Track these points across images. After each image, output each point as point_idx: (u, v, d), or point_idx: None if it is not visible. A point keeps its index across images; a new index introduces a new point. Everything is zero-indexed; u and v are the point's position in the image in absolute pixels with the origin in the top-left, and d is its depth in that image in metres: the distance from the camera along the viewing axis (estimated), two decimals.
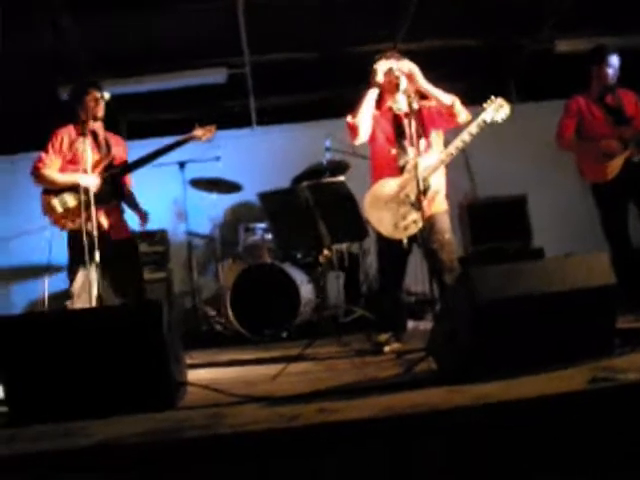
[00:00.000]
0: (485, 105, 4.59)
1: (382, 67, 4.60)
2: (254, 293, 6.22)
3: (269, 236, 6.60)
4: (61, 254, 4.98)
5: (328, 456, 2.59)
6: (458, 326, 3.33)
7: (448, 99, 4.55)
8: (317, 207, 3.93)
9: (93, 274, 4.51)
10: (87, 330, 3.27)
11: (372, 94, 4.64)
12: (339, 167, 6.72)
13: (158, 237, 7.05)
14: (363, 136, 4.62)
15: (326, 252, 5.07)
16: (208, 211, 6.96)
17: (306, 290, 6.33)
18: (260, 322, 6.18)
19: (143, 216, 5.24)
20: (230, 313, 6.18)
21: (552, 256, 3.73)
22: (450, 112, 4.55)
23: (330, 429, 2.65)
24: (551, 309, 3.28)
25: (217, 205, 6.96)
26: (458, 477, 2.61)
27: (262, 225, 6.72)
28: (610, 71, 5.39)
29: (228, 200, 7.24)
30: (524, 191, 6.74)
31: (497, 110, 4.55)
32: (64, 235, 4.92)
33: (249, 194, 6.98)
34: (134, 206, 5.25)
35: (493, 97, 4.62)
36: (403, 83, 4.51)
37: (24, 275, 7.37)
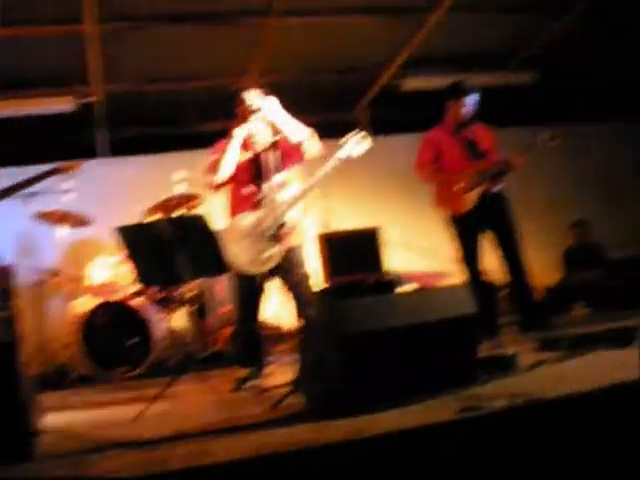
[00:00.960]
0: (344, 139, 4.61)
1: (248, 96, 4.54)
2: (106, 331, 6.01)
3: (122, 271, 6.39)
4: None
5: None
6: (324, 359, 3.31)
7: (297, 136, 4.50)
8: (177, 241, 3.83)
9: None
10: None
11: (239, 137, 4.54)
12: (193, 200, 6.60)
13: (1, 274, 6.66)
14: (222, 178, 4.56)
15: (187, 286, 4.97)
16: (57, 245, 6.66)
17: (160, 327, 6.16)
18: (112, 361, 5.95)
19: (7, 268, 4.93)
20: (81, 352, 5.92)
21: (414, 289, 3.77)
22: (297, 150, 4.54)
23: (202, 473, 2.56)
24: (415, 340, 3.33)
25: (66, 239, 6.64)
26: None
27: (115, 259, 6.49)
28: (466, 107, 5.56)
29: (78, 234, 6.95)
30: (380, 223, 6.86)
31: (357, 144, 4.58)
32: None
33: (101, 227, 6.74)
34: None
35: (355, 131, 4.65)
36: (259, 115, 4.47)
37: None
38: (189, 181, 6.69)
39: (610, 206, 8.33)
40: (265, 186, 4.48)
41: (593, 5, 6.66)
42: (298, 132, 4.53)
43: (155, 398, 4.03)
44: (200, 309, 6.72)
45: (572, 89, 7.75)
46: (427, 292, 3.56)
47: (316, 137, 4.59)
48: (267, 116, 4.46)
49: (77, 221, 6.58)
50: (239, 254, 4.35)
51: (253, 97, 4.53)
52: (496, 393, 3.17)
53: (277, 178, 4.31)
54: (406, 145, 6.44)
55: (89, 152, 6.05)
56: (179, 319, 6.59)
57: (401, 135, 7.12)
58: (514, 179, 5.64)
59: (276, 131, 4.47)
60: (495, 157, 5.62)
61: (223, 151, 4.56)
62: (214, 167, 4.57)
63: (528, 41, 7.24)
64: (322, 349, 3.32)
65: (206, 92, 7.20)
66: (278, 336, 6.25)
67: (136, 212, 6.88)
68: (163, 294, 6.47)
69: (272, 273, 4.49)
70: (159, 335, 6.05)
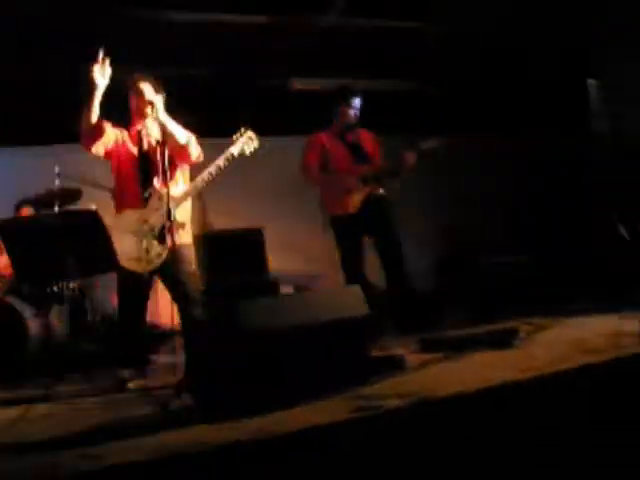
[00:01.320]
0: (234, 137, 4.60)
1: (145, 89, 4.40)
2: None
3: None
4: None
5: None
6: (216, 359, 3.28)
7: (183, 138, 4.40)
8: (65, 237, 3.67)
9: None
10: None
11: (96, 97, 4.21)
12: (71, 195, 6.37)
13: None
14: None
15: (73, 285, 4.77)
16: None
17: (33, 324, 5.90)
18: None
19: None
20: None
21: (310, 290, 3.81)
22: (184, 151, 4.43)
23: (101, 476, 2.48)
24: (308, 340, 3.37)
25: None
26: None
27: None
28: (352, 111, 5.66)
29: None
30: (261, 224, 6.85)
31: (246, 143, 4.57)
32: None
33: None
34: None
35: (242, 130, 4.65)
36: (155, 110, 4.35)
37: None
38: (63, 175, 6.48)
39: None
40: (154, 183, 4.38)
41: None
42: (183, 134, 4.42)
43: (37, 399, 3.89)
44: (77, 307, 6.51)
45: (452, 99, 7.96)
46: (321, 293, 3.61)
47: (196, 141, 4.50)
48: (159, 113, 4.35)
49: None
50: (124, 252, 4.21)
51: (149, 90, 4.42)
52: (388, 393, 3.24)
53: (165, 175, 4.20)
54: (291, 147, 6.46)
55: None
56: (55, 317, 6.36)
57: (287, 137, 7.11)
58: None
59: (163, 130, 4.35)
60: (379, 161, 5.73)
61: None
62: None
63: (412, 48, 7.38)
64: (214, 349, 3.29)
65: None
66: (158, 336, 6.13)
67: (5, 206, 6.62)
68: (39, 291, 6.23)
69: (158, 271, 4.37)
70: (33, 334, 5.79)
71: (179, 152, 4.41)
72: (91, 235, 3.71)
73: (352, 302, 3.57)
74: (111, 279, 6.60)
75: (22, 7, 6.00)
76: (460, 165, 8.24)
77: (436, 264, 8.01)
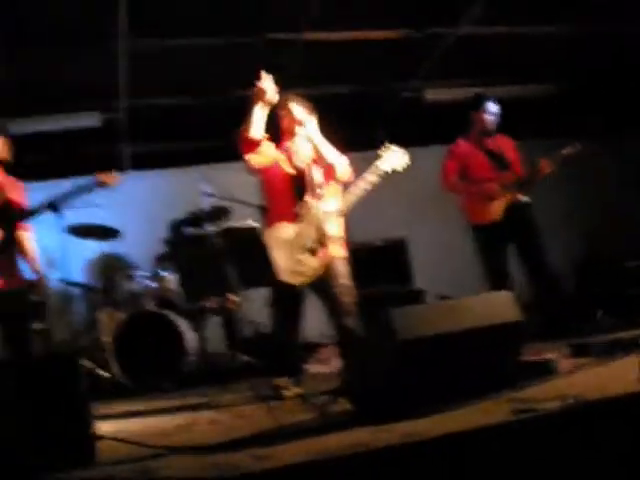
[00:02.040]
0: (381, 152, 4.68)
1: (295, 108, 4.63)
2: (137, 342, 6.04)
3: (152, 284, 6.46)
4: None
5: None
6: (377, 366, 3.39)
7: (335, 160, 4.57)
8: (228, 253, 3.90)
9: None
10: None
11: (259, 110, 4.46)
12: (220, 213, 6.68)
13: (36, 287, 6.74)
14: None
15: (233, 298, 5.01)
16: (87, 259, 6.73)
17: (190, 338, 6.22)
18: (144, 372, 6.00)
19: (42, 282, 5.05)
20: (112, 363, 5.98)
21: (463, 296, 3.85)
22: (333, 172, 4.60)
23: (274, 475, 2.63)
24: (464, 346, 3.41)
25: (94, 252, 6.69)
26: None
27: (144, 273, 6.57)
28: (489, 117, 5.69)
29: (107, 247, 7.00)
30: (404, 234, 6.96)
31: (396, 158, 4.66)
32: None
33: (129, 240, 6.83)
34: (32, 263, 5.02)
35: (388, 144, 4.72)
36: (304, 129, 4.55)
37: None
38: (214, 195, 6.79)
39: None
40: (307, 199, 4.55)
41: None
42: (335, 157, 4.59)
43: (202, 407, 4.12)
44: (228, 320, 6.79)
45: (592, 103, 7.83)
46: (472, 299, 3.63)
47: (347, 163, 4.66)
48: (310, 133, 4.53)
49: (105, 233, 6.66)
50: (280, 265, 4.40)
51: (299, 110, 4.62)
52: (542, 396, 3.25)
53: (319, 190, 4.36)
54: (429, 157, 6.52)
55: (115, 166, 6.10)
56: (208, 330, 6.67)
57: (424, 147, 7.20)
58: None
59: (315, 147, 4.53)
60: (520, 168, 5.72)
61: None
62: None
63: (548, 54, 7.30)
64: (375, 355, 3.40)
65: (225, 104, 7.30)
66: (309, 346, 6.31)
67: (162, 225, 7.00)
68: (193, 305, 6.55)
69: (313, 283, 4.54)
70: (190, 346, 6.10)
71: (329, 171, 4.58)
72: (253, 250, 3.90)
73: (504, 307, 3.60)
74: (261, 292, 6.92)
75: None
76: (601, 170, 8.09)
77: (580, 269, 7.87)
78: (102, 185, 5.00)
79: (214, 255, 3.91)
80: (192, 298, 6.12)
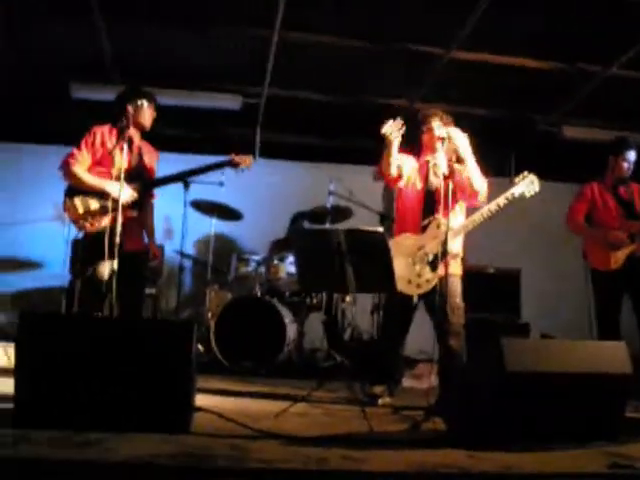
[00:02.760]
0: (516, 179, 4.71)
1: (435, 125, 4.71)
2: (240, 324, 6.17)
3: (262, 269, 6.59)
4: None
5: None
6: (479, 392, 3.37)
7: (479, 182, 4.61)
8: (349, 253, 3.94)
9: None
10: (115, 339, 3.23)
11: (393, 145, 4.57)
12: (343, 213, 6.77)
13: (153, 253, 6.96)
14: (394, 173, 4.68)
15: (348, 298, 5.07)
16: (204, 235, 6.91)
17: (291, 329, 6.31)
18: (241, 354, 6.12)
19: (156, 251, 5.24)
20: (213, 340, 6.12)
21: (576, 339, 3.79)
22: (473, 193, 4.63)
23: (362, 477, 2.66)
24: (568, 389, 3.35)
25: (214, 230, 6.85)
26: None
27: (256, 257, 6.70)
28: (626, 164, 5.56)
29: (225, 227, 7.18)
30: (519, 265, 6.88)
31: (528, 186, 4.66)
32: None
33: (246, 224, 6.98)
34: (150, 230, 5.20)
35: (525, 173, 4.74)
36: (442, 145, 4.58)
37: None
38: (338, 194, 6.87)
39: None
40: (437, 214, 4.57)
41: None
42: (478, 178, 4.62)
43: (301, 399, 4.18)
44: (330, 319, 6.86)
45: None
46: (588, 344, 3.58)
47: (486, 186, 4.67)
48: (457, 147, 4.55)
49: (229, 214, 6.81)
50: (398, 273, 4.41)
51: (439, 126, 4.67)
52: None
53: (447, 207, 4.37)
54: (557, 193, 6.45)
55: (246, 151, 6.26)
56: (308, 325, 6.76)
57: (552, 183, 7.13)
58: None
59: (451, 165, 4.54)
60: None
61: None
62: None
63: None
64: (480, 381, 3.38)
65: (363, 108, 7.37)
66: (406, 360, 6.30)
67: (282, 215, 7.13)
68: (299, 298, 6.65)
69: (426, 296, 4.56)
70: (290, 337, 6.19)
71: (467, 191, 4.62)
72: (376, 256, 3.93)
73: (616, 358, 3.52)
74: (367, 299, 6.96)
75: None
76: None
77: None
78: (236, 166, 5.11)
79: (336, 252, 3.93)
80: (306, 289, 6.23)
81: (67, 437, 2.91)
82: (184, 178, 5.24)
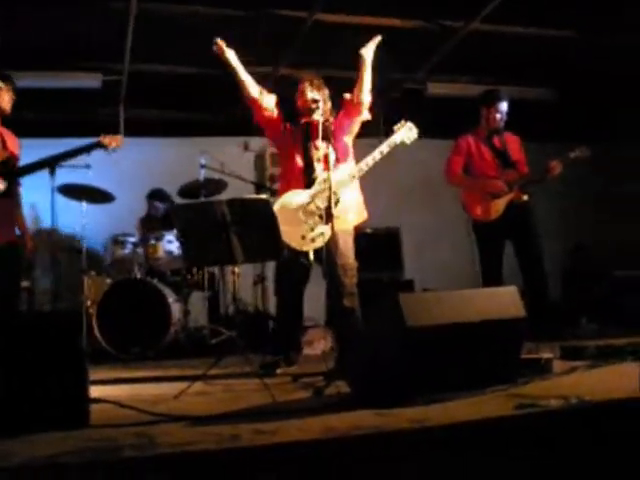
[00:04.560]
0: (395, 127, 4.78)
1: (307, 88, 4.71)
2: (122, 309, 6.00)
3: (140, 250, 6.39)
4: None
5: (274, 477, 2.53)
6: (380, 351, 3.35)
7: (367, 94, 4.73)
8: (233, 224, 3.83)
9: None
10: None
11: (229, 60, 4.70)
12: (217, 186, 6.64)
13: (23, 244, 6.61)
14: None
15: (236, 269, 4.97)
16: (75, 220, 6.61)
17: (175, 308, 6.17)
18: (127, 339, 5.94)
19: (31, 242, 4.98)
20: (96, 328, 5.90)
21: (469, 288, 3.84)
22: (358, 104, 4.72)
23: (277, 450, 2.59)
24: (468, 338, 3.38)
25: (85, 215, 6.57)
26: None
27: (132, 239, 6.49)
28: (499, 115, 5.68)
29: (96, 210, 6.89)
30: (397, 223, 6.95)
31: (407, 132, 4.72)
32: None
33: (118, 205, 6.73)
34: (21, 221, 4.93)
35: (403, 121, 4.82)
36: (318, 110, 4.52)
37: None
38: (210, 167, 6.74)
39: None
40: (317, 165, 4.57)
41: None
42: (369, 90, 4.75)
43: (198, 378, 4.07)
44: (214, 295, 6.76)
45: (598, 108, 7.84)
46: (481, 292, 3.63)
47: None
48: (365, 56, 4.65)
49: (99, 197, 6.55)
50: (289, 230, 4.37)
51: (310, 89, 4.70)
52: (542, 394, 3.23)
53: (330, 158, 4.35)
54: (426, 149, 6.54)
55: (111, 130, 6.01)
56: (193, 303, 6.63)
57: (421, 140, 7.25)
58: None
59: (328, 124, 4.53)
60: (525, 168, 5.73)
61: None
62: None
63: (553, 57, 7.28)
64: (381, 340, 3.37)
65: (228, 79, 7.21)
66: None
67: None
68: (180, 277, 6.51)
69: (318, 257, 4.50)
70: (176, 316, 6.05)
71: (355, 105, 4.73)
72: (261, 223, 3.84)
73: (509, 303, 3.58)
74: (248, 270, 6.89)
75: None
76: (604, 174, 8.12)
77: (568, 276, 7.90)
78: (106, 147, 4.92)
79: (221, 224, 3.82)
80: (193, 265, 6.08)
81: None
82: (53, 164, 4.99)
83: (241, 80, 4.72)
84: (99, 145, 4.94)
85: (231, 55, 4.65)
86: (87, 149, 4.92)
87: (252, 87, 4.73)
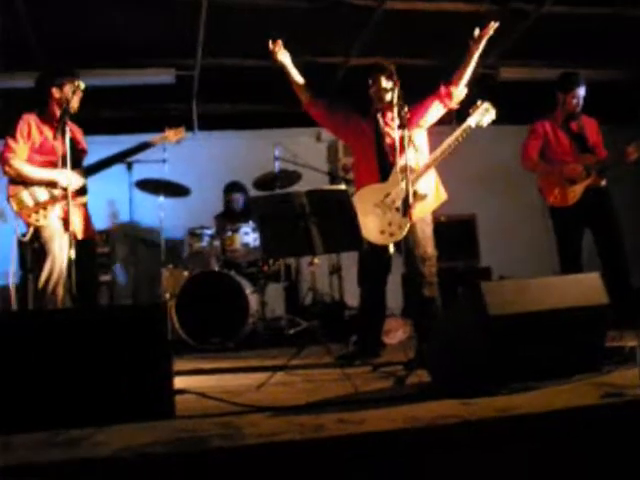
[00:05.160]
0: (470, 110, 4.66)
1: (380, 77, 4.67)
2: (201, 300, 6.08)
3: (216, 243, 6.47)
4: None
5: (360, 467, 2.54)
6: (463, 340, 3.34)
7: (462, 87, 4.67)
8: (313, 214, 3.86)
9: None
10: (83, 331, 3.09)
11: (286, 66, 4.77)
12: (292, 177, 6.68)
13: (104, 238, 6.78)
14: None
15: (316, 260, 4.97)
16: (152, 214, 6.73)
17: (253, 299, 6.23)
18: (206, 331, 6.03)
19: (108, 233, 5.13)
20: (175, 320, 6.00)
21: (552, 275, 3.80)
22: (448, 93, 4.67)
23: (363, 440, 2.59)
24: (550, 326, 3.33)
25: (162, 208, 6.67)
26: None
27: (209, 231, 6.58)
28: (575, 100, 5.56)
29: (173, 204, 7.00)
30: (473, 211, 6.89)
31: (483, 114, 4.60)
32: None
33: (194, 199, 6.83)
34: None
35: (479, 102, 4.69)
36: (388, 97, 4.50)
37: None
38: (284, 159, 6.78)
39: None
40: (395, 160, 4.51)
41: None
42: (465, 82, 4.68)
43: (280, 368, 4.11)
44: (291, 285, 6.80)
45: None
46: (563, 279, 3.57)
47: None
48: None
49: (176, 190, 6.66)
50: (368, 225, 4.39)
51: (384, 78, 4.67)
52: (630, 382, 3.17)
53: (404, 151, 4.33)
54: (501, 136, 6.45)
55: (186, 125, 6.11)
56: (269, 294, 6.69)
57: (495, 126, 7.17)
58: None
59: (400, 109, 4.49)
60: (603, 152, 5.60)
61: None
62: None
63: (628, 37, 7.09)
64: (462, 329, 3.35)
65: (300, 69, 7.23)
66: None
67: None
68: (256, 268, 6.57)
69: (397, 247, 4.50)
70: (254, 308, 6.12)
71: (444, 95, 4.69)
72: (341, 214, 3.85)
73: (592, 290, 3.51)
74: (324, 260, 6.91)
75: None
76: None
77: None
78: (169, 140, 5.04)
79: (300, 215, 3.85)
80: (272, 257, 6.14)
81: (50, 438, 2.77)
82: (121, 159, 5.11)
83: (293, 81, 4.83)
84: (164, 139, 5.06)
85: (285, 58, 4.71)
86: (151, 144, 5.05)
87: (302, 93, 4.85)
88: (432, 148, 4.70)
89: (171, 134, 5.12)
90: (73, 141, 4.69)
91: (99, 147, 5.20)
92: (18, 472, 2.43)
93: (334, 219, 3.86)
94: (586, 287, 3.53)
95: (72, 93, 4.62)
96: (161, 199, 6.59)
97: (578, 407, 2.84)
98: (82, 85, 4.58)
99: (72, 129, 4.83)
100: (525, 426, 2.71)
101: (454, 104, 4.69)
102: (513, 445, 2.65)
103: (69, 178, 4.31)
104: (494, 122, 4.72)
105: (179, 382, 3.80)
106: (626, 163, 5.44)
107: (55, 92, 4.68)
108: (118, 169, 6.21)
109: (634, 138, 5.46)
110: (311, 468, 2.53)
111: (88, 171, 4.82)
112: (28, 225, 4.57)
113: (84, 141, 5.02)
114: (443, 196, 4.74)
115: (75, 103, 4.72)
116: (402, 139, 4.17)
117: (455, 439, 2.64)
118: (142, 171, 6.47)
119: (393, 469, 2.54)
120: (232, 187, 7.20)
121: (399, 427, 2.66)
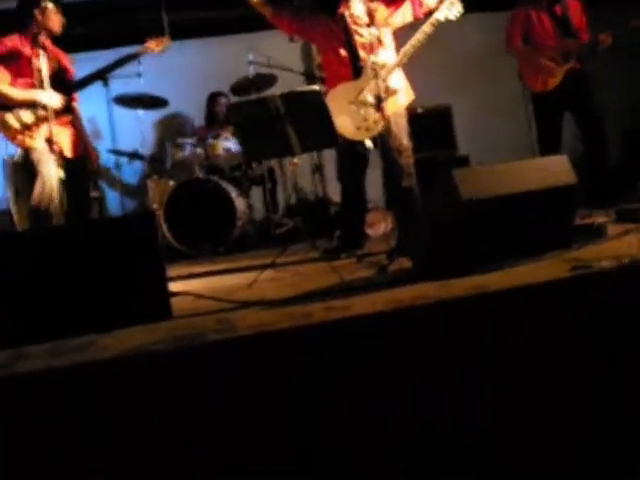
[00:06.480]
0: (437, 4, 4.64)
1: None
2: (188, 208, 6.22)
3: (199, 150, 6.57)
4: None
5: (349, 350, 2.72)
6: (441, 226, 3.50)
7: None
8: (288, 116, 3.97)
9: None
10: (79, 245, 3.24)
11: None
12: (267, 80, 6.72)
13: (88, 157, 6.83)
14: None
15: (295, 160, 5.12)
16: (132, 128, 6.79)
17: (240, 203, 6.37)
18: (196, 237, 6.19)
19: (94, 153, 5.17)
20: (165, 229, 6.15)
21: (519, 160, 3.92)
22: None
23: (352, 323, 2.78)
24: (523, 207, 3.49)
25: (142, 122, 6.73)
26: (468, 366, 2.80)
27: (190, 140, 6.67)
28: None
29: (152, 116, 7.06)
30: (448, 101, 6.96)
31: (449, 8, 4.61)
32: None
33: (173, 109, 6.89)
34: (83, 133, 5.12)
35: None
36: None
37: None
38: (258, 62, 6.80)
39: None
40: (361, 54, 4.61)
41: None
42: None
43: (268, 265, 4.28)
44: (274, 187, 6.94)
45: None
46: (531, 163, 3.71)
47: None
48: None
49: (153, 103, 6.71)
50: (344, 122, 4.49)
51: None
52: (599, 256, 3.35)
53: (373, 47, 4.40)
54: (476, 24, 6.46)
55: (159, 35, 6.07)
56: (253, 196, 6.83)
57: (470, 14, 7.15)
58: None
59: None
60: (586, 35, 5.62)
61: None
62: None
63: None
64: (435, 217, 3.51)
65: None
66: None
67: (206, 94, 7.04)
68: (240, 172, 6.69)
69: (374, 142, 4.61)
70: (241, 210, 6.26)
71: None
72: (314, 113, 3.96)
73: (560, 171, 3.66)
74: (305, 160, 7.02)
75: None
76: None
77: (627, 140, 7.82)
78: (152, 51, 5.05)
79: (276, 117, 3.96)
80: (253, 159, 6.24)
81: (62, 345, 2.94)
82: (105, 74, 5.14)
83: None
84: (147, 50, 5.06)
85: None
86: (135, 56, 5.05)
87: (262, 8, 4.97)
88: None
89: (153, 44, 5.11)
90: (57, 62, 4.74)
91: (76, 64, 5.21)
92: (41, 378, 2.60)
93: (308, 119, 3.97)
94: (555, 168, 3.66)
95: (54, 16, 4.67)
96: (140, 112, 6.65)
97: (548, 281, 3.02)
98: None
99: (55, 52, 4.87)
100: (497, 302, 2.89)
101: (423, 12, 4.69)
102: (485, 320, 2.84)
103: (50, 97, 4.38)
104: (467, 10, 4.74)
105: (174, 287, 4.00)
106: (600, 50, 5.48)
107: (37, 14, 4.70)
108: (95, 87, 6.20)
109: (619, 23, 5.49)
110: (301, 354, 2.71)
111: (71, 88, 4.86)
112: (18, 147, 4.67)
113: (68, 62, 5.03)
114: (412, 95, 4.83)
115: (56, 26, 4.75)
116: (371, 39, 4.25)
117: (433, 317, 2.83)
118: (118, 87, 6.49)
119: (377, 349, 2.74)
120: (217, 93, 7.25)
121: (381, 310, 2.85)
